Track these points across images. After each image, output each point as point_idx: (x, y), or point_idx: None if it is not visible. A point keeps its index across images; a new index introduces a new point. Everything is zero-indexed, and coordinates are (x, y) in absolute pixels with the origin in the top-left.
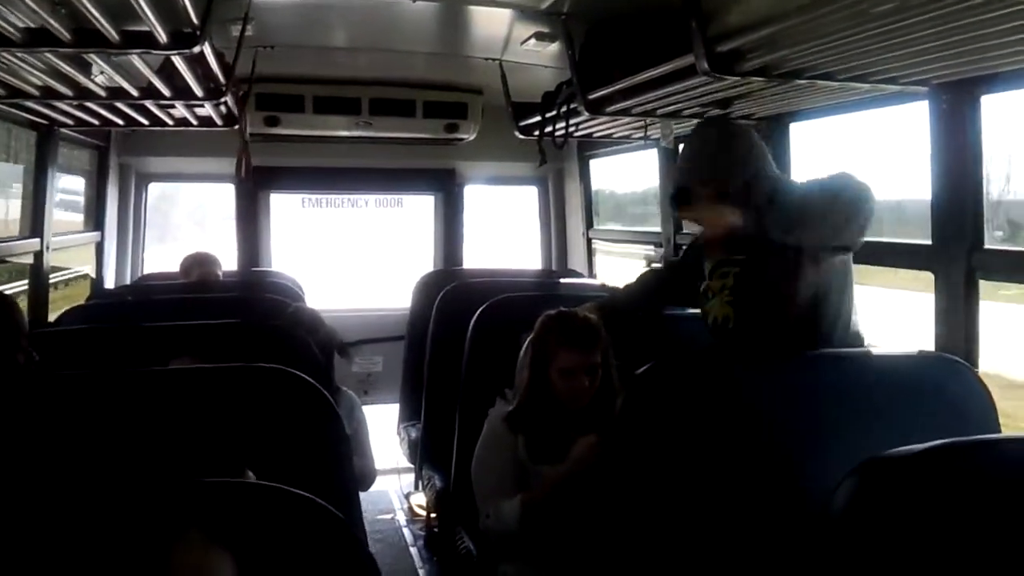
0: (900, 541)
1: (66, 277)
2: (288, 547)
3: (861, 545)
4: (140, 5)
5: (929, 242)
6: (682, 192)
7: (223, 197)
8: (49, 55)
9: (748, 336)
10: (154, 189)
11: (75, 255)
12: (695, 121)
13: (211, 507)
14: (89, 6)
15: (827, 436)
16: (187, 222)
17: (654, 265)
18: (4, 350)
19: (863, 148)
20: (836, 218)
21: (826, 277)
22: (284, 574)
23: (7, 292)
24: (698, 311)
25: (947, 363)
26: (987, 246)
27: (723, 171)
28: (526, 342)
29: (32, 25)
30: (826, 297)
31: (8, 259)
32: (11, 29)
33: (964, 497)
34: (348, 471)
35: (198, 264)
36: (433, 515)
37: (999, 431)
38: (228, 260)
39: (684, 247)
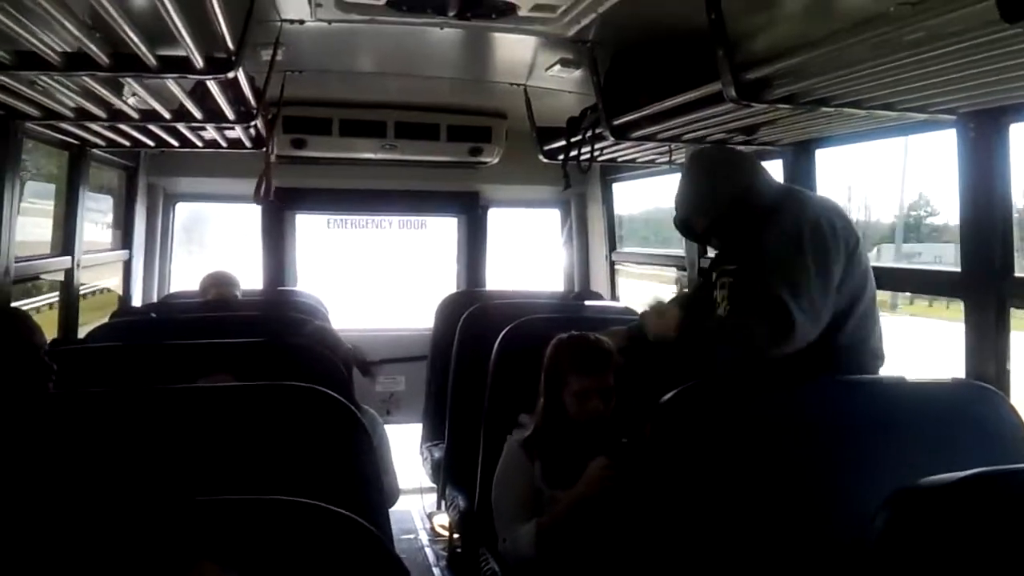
0: (936, 571)
1: (92, 289)
2: (323, 563)
3: (897, 573)
4: (178, 30)
5: (958, 270)
6: (684, 224)
7: (251, 217)
8: (86, 79)
9: (718, 323)
10: (183, 209)
11: (103, 273)
12: None
13: (244, 524)
14: (127, 30)
15: (858, 462)
16: (218, 238)
17: (685, 290)
18: (18, 365)
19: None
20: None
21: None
22: None
23: (38, 307)
24: None
25: (979, 391)
26: (1018, 274)
27: (709, 201)
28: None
29: (70, 49)
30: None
31: (40, 276)
32: (50, 52)
33: (998, 527)
34: (377, 487)
35: (215, 284)
36: (456, 535)
37: None
38: (254, 278)
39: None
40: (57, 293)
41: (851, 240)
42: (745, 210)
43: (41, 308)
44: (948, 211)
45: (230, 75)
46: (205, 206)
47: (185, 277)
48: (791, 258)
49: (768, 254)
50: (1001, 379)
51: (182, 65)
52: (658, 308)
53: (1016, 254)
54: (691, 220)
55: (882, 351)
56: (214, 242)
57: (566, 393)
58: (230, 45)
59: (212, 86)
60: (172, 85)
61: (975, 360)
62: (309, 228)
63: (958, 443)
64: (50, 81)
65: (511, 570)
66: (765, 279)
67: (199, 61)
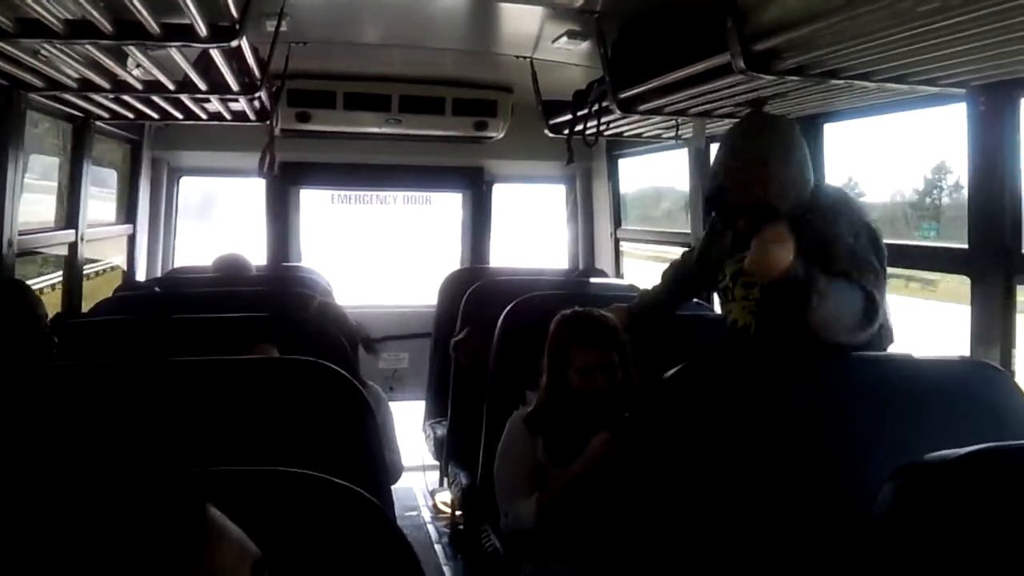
0: (940, 546)
1: (97, 268)
2: (326, 535)
3: (902, 550)
4: None
5: (966, 246)
6: (719, 192)
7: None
8: (89, 47)
9: (768, 345)
10: (188, 183)
11: (107, 247)
12: (727, 121)
13: (245, 495)
14: None
15: (863, 439)
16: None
17: (673, 260)
18: (20, 336)
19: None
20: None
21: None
22: (321, 560)
23: (46, 282)
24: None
25: (985, 369)
26: None
27: (766, 172)
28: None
29: (72, 16)
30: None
31: (43, 249)
32: (53, 20)
33: (1003, 502)
34: (380, 463)
35: (229, 266)
36: (458, 512)
37: None
38: (258, 254)
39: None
40: (60, 273)
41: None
42: (806, 200)
43: (44, 290)
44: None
45: (234, 43)
46: (209, 180)
47: (190, 252)
48: (869, 256)
49: (851, 251)
50: (1007, 357)
51: (186, 33)
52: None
53: None
54: (738, 196)
55: (891, 328)
56: (219, 217)
57: (570, 369)
58: (234, 13)
59: (216, 56)
60: (176, 55)
61: (981, 337)
62: (313, 203)
63: (963, 421)
64: (53, 50)
65: (513, 546)
66: (851, 270)
67: (203, 29)
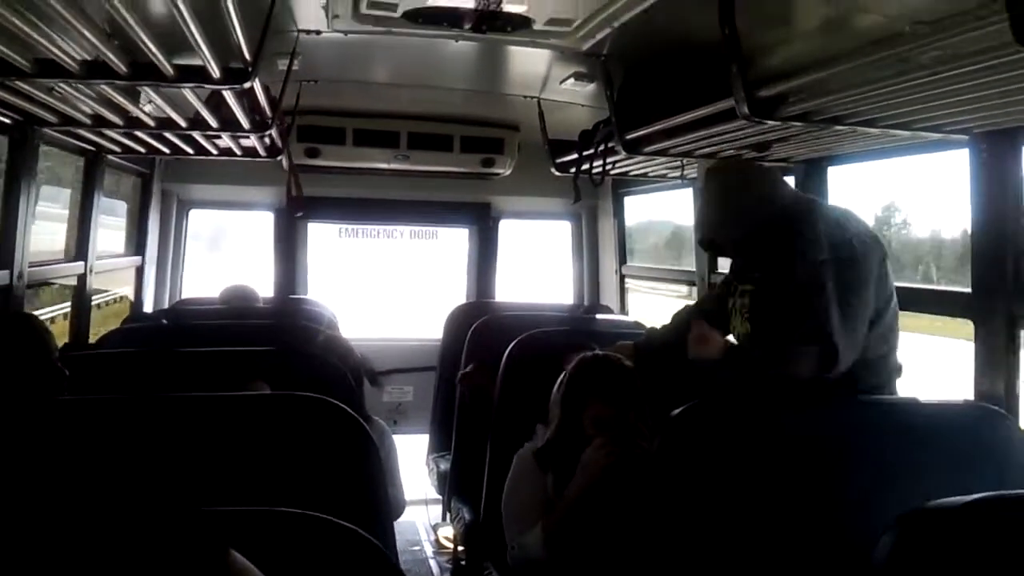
0: None
1: (108, 298)
2: (325, 573)
3: None
4: (196, 40)
5: (969, 290)
6: (709, 242)
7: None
8: (104, 87)
9: (763, 351)
10: (197, 216)
11: (115, 277)
12: None
13: (248, 535)
14: (145, 39)
15: (866, 482)
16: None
17: (687, 303)
18: (32, 370)
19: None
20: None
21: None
22: None
23: (51, 314)
24: None
25: (989, 413)
26: None
27: (734, 218)
28: (560, 378)
29: (88, 57)
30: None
31: (53, 281)
32: (69, 60)
33: (1004, 551)
34: (383, 498)
35: (237, 297)
36: (460, 548)
37: None
38: (264, 286)
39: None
40: (68, 304)
41: (880, 255)
42: (771, 224)
43: (56, 318)
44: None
45: (246, 85)
46: (218, 213)
47: (198, 283)
48: (829, 283)
49: (807, 278)
50: (1011, 401)
51: (199, 74)
52: (701, 332)
53: None
54: (717, 239)
55: (899, 364)
56: (227, 248)
57: (585, 415)
58: (247, 55)
59: (228, 95)
60: (188, 94)
61: (985, 381)
62: (320, 237)
63: (967, 465)
64: (68, 88)
65: None
66: (805, 303)
67: (216, 71)
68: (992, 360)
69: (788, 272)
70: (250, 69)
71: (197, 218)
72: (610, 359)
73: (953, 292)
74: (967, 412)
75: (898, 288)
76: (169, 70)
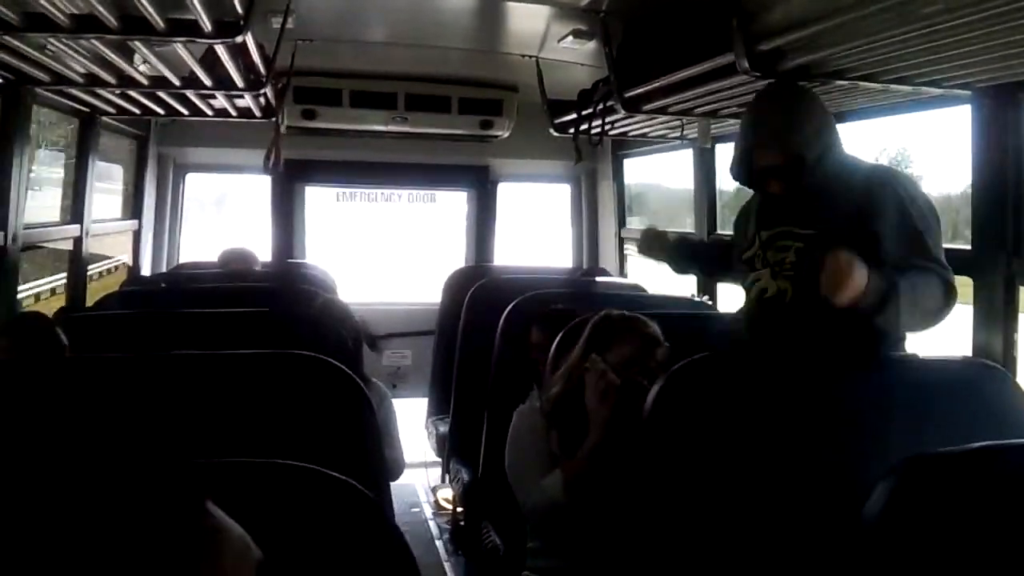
0: (937, 540)
1: (106, 266)
2: (321, 527)
3: (898, 543)
4: None
5: (968, 247)
6: (746, 155)
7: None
8: (95, 41)
9: (805, 314)
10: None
11: (112, 244)
12: (732, 121)
13: (240, 486)
14: None
15: (864, 439)
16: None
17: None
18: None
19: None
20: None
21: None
22: (317, 554)
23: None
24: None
25: (986, 370)
26: None
27: (813, 135)
28: (560, 334)
29: (78, 11)
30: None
31: (48, 244)
32: (59, 14)
33: (1000, 499)
34: (379, 459)
35: (236, 259)
36: (459, 509)
37: None
38: (263, 250)
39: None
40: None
41: None
42: (836, 162)
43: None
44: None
45: (239, 39)
46: (216, 177)
47: (196, 246)
48: (936, 226)
49: (922, 219)
50: (1008, 358)
51: (190, 28)
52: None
53: None
54: (766, 154)
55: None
56: (226, 212)
57: (608, 359)
58: (239, 9)
59: (222, 52)
60: (182, 51)
61: (983, 338)
62: (318, 200)
63: (964, 421)
64: (60, 45)
65: (512, 542)
66: (919, 245)
67: (207, 24)
68: (991, 317)
69: (905, 220)
70: (242, 23)
71: (195, 182)
72: (639, 318)
73: (952, 249)
74: (966, 368)
75: None
76: (160, 24)
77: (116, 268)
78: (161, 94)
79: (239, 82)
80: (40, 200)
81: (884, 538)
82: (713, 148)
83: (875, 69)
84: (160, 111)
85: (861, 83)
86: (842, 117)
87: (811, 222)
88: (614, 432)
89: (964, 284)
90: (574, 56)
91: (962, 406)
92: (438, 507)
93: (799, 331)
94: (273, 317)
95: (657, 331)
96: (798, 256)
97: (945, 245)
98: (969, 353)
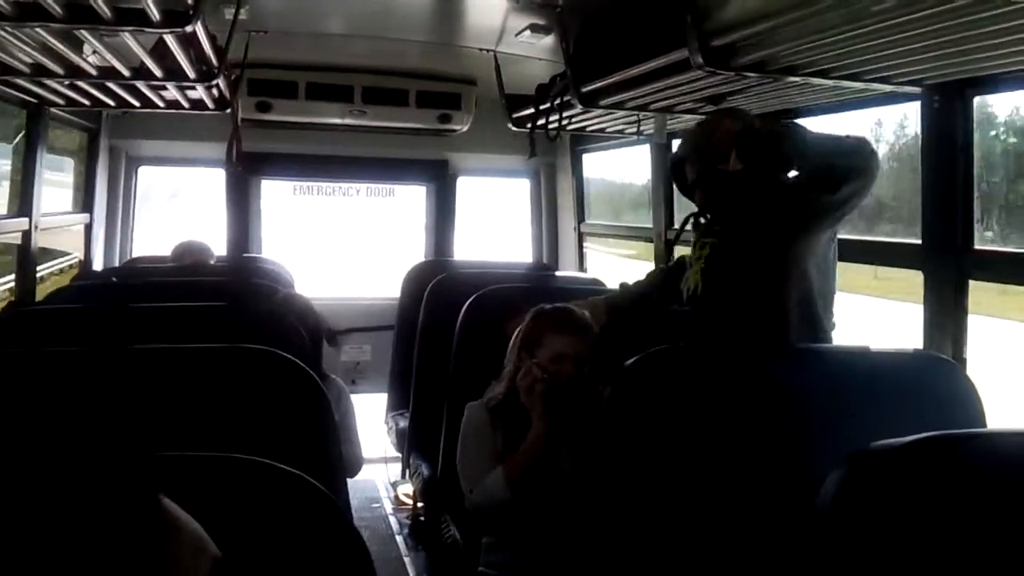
0: (888, 532)
1: (59, 265)
2: (274, 523)
3: (849, 537)
4: None
5: (919, 241)
6: (675, 168)
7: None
8: (40, 31)
9: (712, 307)
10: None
11: (63, 239)
12: (688, 117)
13: (195, 480)
14: None
15: (816, 430)
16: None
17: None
18: None
19: None
20: (842, 159)
21: (806, 257)
22: (270, 549)
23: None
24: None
25: (935, 360)
26: (977, 246)
27: (700, 153)
28: (515, 332)
29: None
30: (803, 277)
31: None
32: (1, 2)
33: (950, 489)
34: (335, 455)
35: (190, 252)
36: (420, 504)
37: None
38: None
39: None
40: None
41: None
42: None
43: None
44: None
45: (188, 29)
46: (169, 170)
47: (149, 242)
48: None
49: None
50: (959, 351)
51: (139, 18)
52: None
53: (976, 227)
54: (690, 167)
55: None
56: (180, 206)
57: (540, 354)
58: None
59: (172, 43)
60: (131, 42)
61: (934, 332)
62: (274, 194)
63: (915, 413)
64: (4, 34)
65: (473, 535)
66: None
67: (156, 14)
68: (941, 310)
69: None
70: (191, 12)
71: (148, 175)
72: (566, 306)
73: (903, 244)
74: (917, 360)
75: (847, 240)
76: (107, 13)
77: (71, 267)
78: (111, 85)
79: (190, 73)
80: None
81: (836, 528)
82: (670, 144)
83: (826, 65)
84: (111, 102)
85: (813, 79)
86: (795, 113)
87: (725, 220)
88: (555, 426)
89: (915, 278)
90: (532, 51)
91: (913, 398)
92: (398, 502)
93: (709, 324)
94: (231, 311)
95: (588, 320)
96: (712, 251)
97: (895, 240)
98: (920, 346)
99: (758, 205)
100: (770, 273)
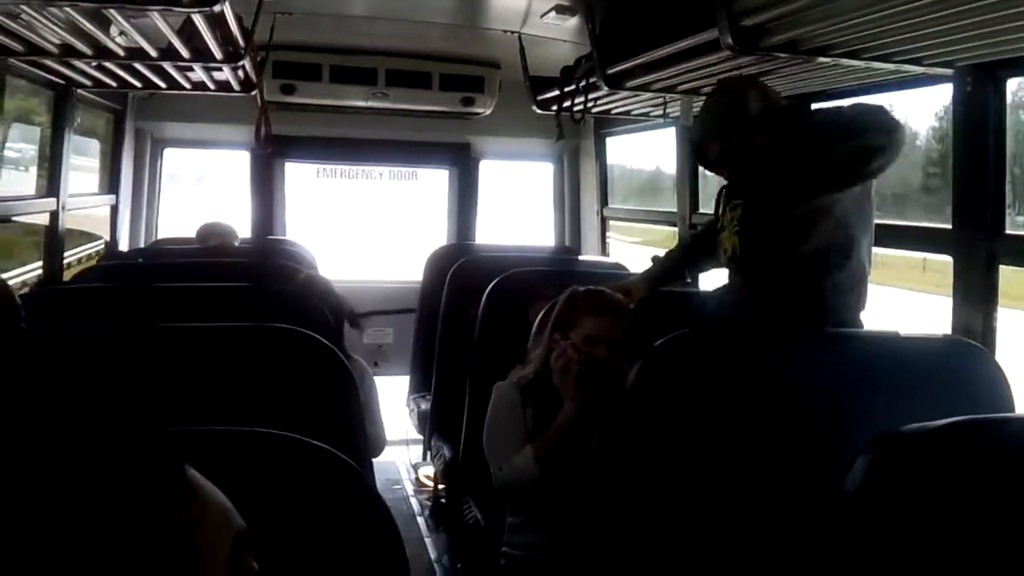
0: (915, 516)
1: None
2: (302, 496)
3: (876, 520)
4: None
5: (949, 226)
6: (697, 147)
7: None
8: (69, 10)
9: (753, 267)
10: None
11: (89, 220)
12: None
13: (222, 455)
14: None
15: (843, 415)
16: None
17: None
18: None
19: None
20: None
21: (840, 205)
22: (297, 522)
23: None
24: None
25: (963, 346)
26: (1008, 231)
27: (725, 132)
28: (542, 312)
29: None
30: (838, 224)
31: (23, 218)
32: None
33: (978, 473)
34: (360, 433)
35: (215, 234)
36: (441, 486)
37: None
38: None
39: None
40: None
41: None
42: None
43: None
44: None
45: (216, 8)
46: (195, 153)
47: (174, 224)
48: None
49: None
50: (987, 336)
51: None
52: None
53: (1008, 211)
54: (708, 145)
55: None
56: (205, 188)
57: (574, 336)
58: None
59: (199, 23)
60: (159, 22)
61: (963, 316)
62: (298, 177)
63: (943, 398)
64: (33, 14)
65: (495, 518)
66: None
67: None
68: (970, 296)
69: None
70: None
71: (175, 159)
72: (603, 291)
73: (933, 228)
74: (945, 346)
75: (877, 225)
76: None
77: (99, 253)
78: (138, 66)
79: (217, 54)
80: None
81: (864, 513)
82: None
83: (857, 46)
84: (137, 84)
85: (843, 60)
86: (824, 95)
87: (754, 183)
88: (586, 407)
89: (944, 263)
90: (557, 32)
91: (941, 383)
92: (419, 484)
93: (747, 286)
94: (255, 292)
95: (622, 303)
96: (743, 212)
97: (925, 224)
98: (948, 331)
99: (787, 171)
100: (804, 222)
